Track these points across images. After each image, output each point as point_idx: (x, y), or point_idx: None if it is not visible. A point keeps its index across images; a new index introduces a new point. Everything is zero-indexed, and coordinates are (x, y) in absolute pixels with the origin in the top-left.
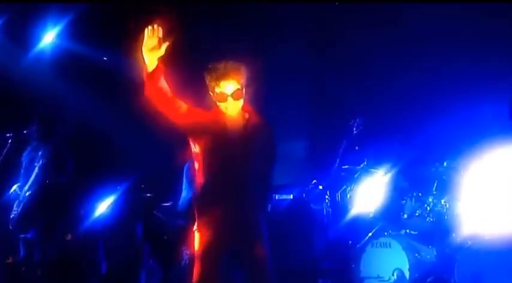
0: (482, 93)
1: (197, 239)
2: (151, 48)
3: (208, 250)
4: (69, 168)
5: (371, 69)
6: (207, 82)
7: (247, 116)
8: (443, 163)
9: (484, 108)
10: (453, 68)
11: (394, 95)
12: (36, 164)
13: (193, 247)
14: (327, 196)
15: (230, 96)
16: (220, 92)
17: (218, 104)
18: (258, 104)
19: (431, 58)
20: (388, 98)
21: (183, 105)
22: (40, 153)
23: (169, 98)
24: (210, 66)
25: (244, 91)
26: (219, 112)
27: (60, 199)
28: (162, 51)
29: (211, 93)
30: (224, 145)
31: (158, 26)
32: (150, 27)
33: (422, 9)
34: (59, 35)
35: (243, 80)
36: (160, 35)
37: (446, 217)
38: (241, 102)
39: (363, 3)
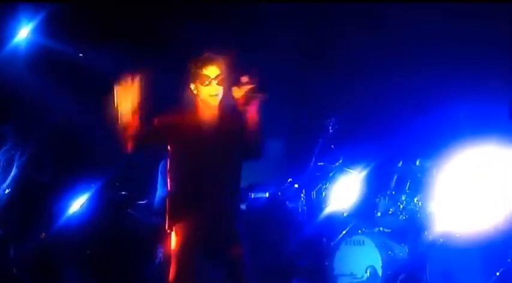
0: (456, 93)
1: (173, 238)
2: (125, 102)
3: (184, 250)
4: (48, 167)
5: (347, 69)
6: (191, 70)
7: (224, 112)
8: (416, 162)
9: (457, 108)
10: (427, 68)
11: (369, 94)
12: (15, 163)
13: (169, 247)
14: (302, 195)
15: (214, 79)
16: (206, 74)
17: (200, 88)
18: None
19: (405, 58)
20: (364, 97)
21: (160, 128)
22: (19, 152)
23: (150, 136)
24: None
25: (227, 80)
26: (195, 111)
27: (39, 198)
28: (135, 104)
29: (195, 80)
30: (199, 145)
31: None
32: (122, 82)
33: (399, 9)
34: (34, 31)
35: (225, 70)
36: (133, 87)
37: (418, 215)
38: (221, 91)
39: (342, 4)
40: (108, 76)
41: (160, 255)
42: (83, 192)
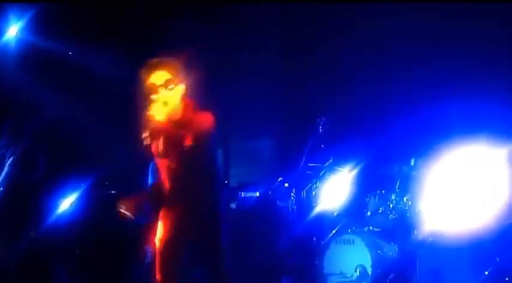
0: (445, 93)
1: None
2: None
3: (165, 248)
4: (41, 166)
5: (337, 69)
6: (141, 80)
7: (184, 113)
8: (407, 162)
9: (447, 108)
10: (418, 67)
11: (360, 94)
12: (7, 161)
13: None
14: (292, 194)
15: (160, 86)
16: (152, 82)
17: (150, 98)
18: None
19: (396, 58)
20: (354, 97)
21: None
22: (10, 150)
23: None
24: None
25: (180, 84)
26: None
27: (29, 197)
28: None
29: (144, 91)
30: (160, 149)
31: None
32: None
33: (386, 9)
34: (24, 29)
35: (176, 72)
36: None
37: (408, 214)
38: (174, 94)
39: (329, 4)
40: (100, 75)
41: (150, 254)
42: (72, 191)
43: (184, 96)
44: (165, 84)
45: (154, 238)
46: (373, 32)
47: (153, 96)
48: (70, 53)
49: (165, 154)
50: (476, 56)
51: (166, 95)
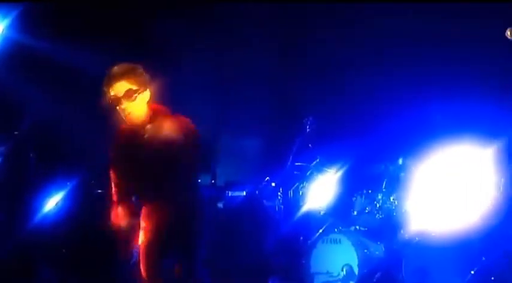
0: (433, 93)
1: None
2: None
3: (147, 249)
4: (30, 166)
5: (325, 69)
6: (103, 93)
7: (152, 119)
8: (394, 162)
9: (434, 108)
10: (405, 67)
11: (347, 93)
12: None
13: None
14: (279, 193)
15: (123, 97)
16: (114, 94)
17: (115, 109)
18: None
19: (384, 58)
20: (342, 96)
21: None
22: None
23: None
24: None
25: (143, 91)
26: (121, 127)
27: (17, 196)
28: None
29: (108, 101)
30: (130, 155)
31: None
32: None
33: (375, 10)
34: (9, 27)
35: (138, 80)
36: None
37: (395, 214)
38: (138, 102)
39: (319, 4)
40: (87, 74)
41: (135, 254)
42: (58, 190)
43: (150, 102)
44: (127, 95)
45: (137, 240)
46: (361, 33)
47: (118, 108)
48: (56, 52)
49: (141, 160)
50: (463, 56)
51: (130, 105)
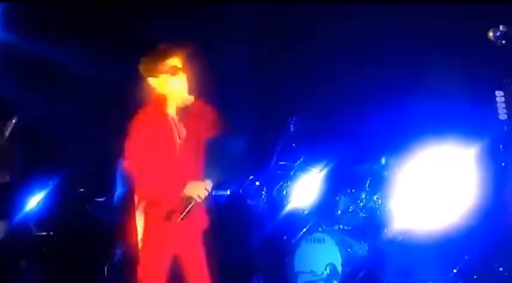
0: (417, 93)
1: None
2: None
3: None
4: (17, 167)
5: (309, 68)
6: (147, 67)
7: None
8: (378, 161)
9: (418, 108)
10: (390, 67)
11: (331, 93)
12: None
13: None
14: (263, 192)
15: (182, 69)
16: (174, 64)
17: (165, 80)
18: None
19: (368, 58)
20: (326, 96)
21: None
22: None
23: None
24: (148, 53)
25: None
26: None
27: (5, 198)
28: None
29: (155, 77)
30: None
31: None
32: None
33: (359, 10)
34: None
35: (184, 62)
36: None
37: (378, 213)
38: (186, 83)
39: (302, 4)
40: (71, 74)
41: (119, 253)
42: (41, 189)
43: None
44: (184, 69)
45: (132, 237)
46: (345, 33)
47: (172, 79)
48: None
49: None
50: (446, 57)
51: (184, 80)
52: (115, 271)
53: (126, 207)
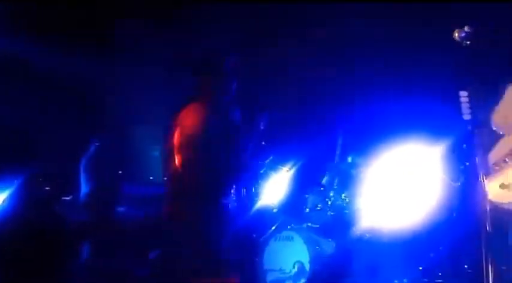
0: (384, 92)
1: None
2: None
3: None
4: None
5: (277, 67)
6: (216, 66)
7: None
8: (345, 159)
9: (385, 107)
10: (357, 67)
11: (300, 91)
12: None
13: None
14: (232, 191)
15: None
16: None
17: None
18: None
19: (335, 58)
20: (295, 94)
21: None
22: None
23: None
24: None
25: None
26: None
27: None
28: None
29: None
30: None
31: None
32: None
33: (327, 10)
34: None
35: None
36: None
37: (346, 211)
38: None
39: (274, 4)
40: (40, 72)
41: (87, 252)
42: (4, 188)
43: None
44: None
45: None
46: (312, 32)
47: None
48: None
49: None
50: (412, 56)
51: None
52: (82, 271)
53: (90, 205)
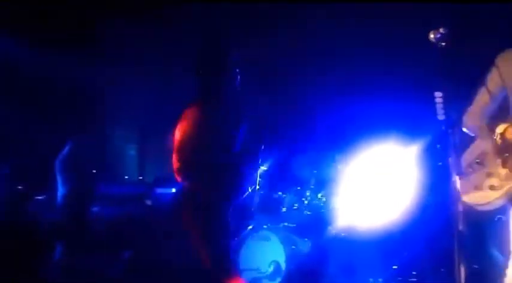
0: (360, 93)
1: None
2: None
3: None
4: None
5: (256, 67)
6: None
7: None
8: (322, 158)
9: (361, 108)
10: (334, 67)
11: (277, 91)
12: None
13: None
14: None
15: None
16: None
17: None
18: None
19: (313, 58)
20: (272, 94)
21: None
22: None
23: None
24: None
25: None
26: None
27: None
28: None
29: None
30: None
31: None
32: None
33: (306, 10)
34: None
35: None
36: None
37: (322, 210)
38: None
39: (249, 4)
40: (16, 71)
41: (60, 251)
42: None
43: None
44: None
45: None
46: (294, 31)
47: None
48: None
49: None
50: (389, 57)
51: None
52: (54, 271)
53: (65, 205)
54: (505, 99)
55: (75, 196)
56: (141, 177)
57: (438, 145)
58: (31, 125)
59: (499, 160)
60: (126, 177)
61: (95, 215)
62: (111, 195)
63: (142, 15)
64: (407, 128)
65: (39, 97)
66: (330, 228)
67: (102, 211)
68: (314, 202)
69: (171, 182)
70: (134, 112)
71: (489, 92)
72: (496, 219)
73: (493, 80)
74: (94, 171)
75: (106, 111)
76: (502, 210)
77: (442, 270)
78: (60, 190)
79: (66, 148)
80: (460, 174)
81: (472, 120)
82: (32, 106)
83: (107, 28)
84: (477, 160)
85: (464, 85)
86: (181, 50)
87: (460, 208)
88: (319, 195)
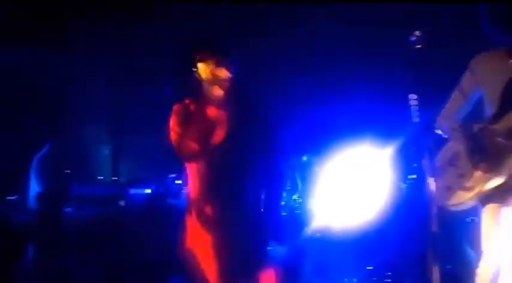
0: (336, 94)
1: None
2: None
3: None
4: None
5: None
6: (199, 51)
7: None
8: (299, 159)
9: (337, 109)
10: (311, 68)
11: (254, 91)
12: None
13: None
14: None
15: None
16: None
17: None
18: None
19: (291, 59)
20: (249, 94)
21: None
22: None
23: None
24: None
25: None
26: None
27: None
28: None
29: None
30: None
31: None
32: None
33: (287, 13)
34: None
35: None
36: None
37: (298, 211)
38: None
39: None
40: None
41: (32, 252)
42: None
43: None
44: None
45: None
46: (267, 33)
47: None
48: None
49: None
50: (367, 59)
51: None
52: (25, 272)
53: (38, 206)
54: (479, 100)
55: (51, 196)
56: (115, 178)
57: (412, 147)
58: (2, 126)
59: (471, 162)
60: (101, 177)
61: (68, 216)
62: (85, 195)
63: (116, 13)
64: (382, 130)
65: (10, 97)
66: (305, 228)
67: (75, 212)
68: (289, 203)
69: (146, 183)
70: (107, 112)
71: (463, 92)
72: (468, 220)
73: (468, 80)
74: (68, 171)
75: (78, 111)
76: (474, 211)
77: (417, 270)
78: (35, 190)
79: (45, 148)
80: (434, 175)
81: (445, 121)
82: (4, 106)
83: (78, 26)
84: (450, 162)
85: (439, 88)
86: (157, 49)
87: (434, 209)
88: (295, 196)
